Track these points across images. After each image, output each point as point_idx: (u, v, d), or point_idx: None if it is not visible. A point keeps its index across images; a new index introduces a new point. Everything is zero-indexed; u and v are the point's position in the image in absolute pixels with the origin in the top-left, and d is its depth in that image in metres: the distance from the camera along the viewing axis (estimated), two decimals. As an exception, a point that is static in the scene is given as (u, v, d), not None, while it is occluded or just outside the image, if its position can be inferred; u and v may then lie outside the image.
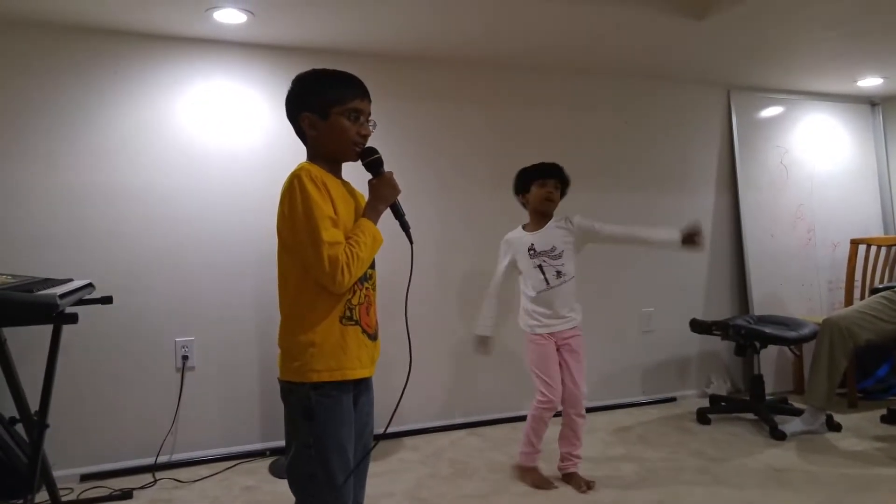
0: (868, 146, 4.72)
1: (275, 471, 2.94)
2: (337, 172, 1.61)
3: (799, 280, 4.37)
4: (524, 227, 2.83)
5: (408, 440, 3.36)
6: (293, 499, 1.54)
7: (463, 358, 3.56)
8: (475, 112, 3.63)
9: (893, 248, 4.21)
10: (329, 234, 1.44)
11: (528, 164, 2.81)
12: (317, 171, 1.51)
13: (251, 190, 3.19)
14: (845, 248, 4.21)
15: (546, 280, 2.70)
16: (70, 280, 2.62)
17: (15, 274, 2.55)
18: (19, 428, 2.62)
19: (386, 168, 1.63)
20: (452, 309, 3.57)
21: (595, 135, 3.94)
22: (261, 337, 3.20)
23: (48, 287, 2.37)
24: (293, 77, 1.49)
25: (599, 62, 3.70)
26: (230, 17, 2.84)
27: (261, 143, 3.23)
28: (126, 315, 2.95)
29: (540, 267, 2.71)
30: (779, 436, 3.29)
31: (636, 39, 3.34)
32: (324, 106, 1.56)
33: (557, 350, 2.72)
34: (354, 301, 1.54)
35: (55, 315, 2.23)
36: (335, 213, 1.48)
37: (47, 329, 2.43)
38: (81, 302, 2.60)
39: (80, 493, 2.73)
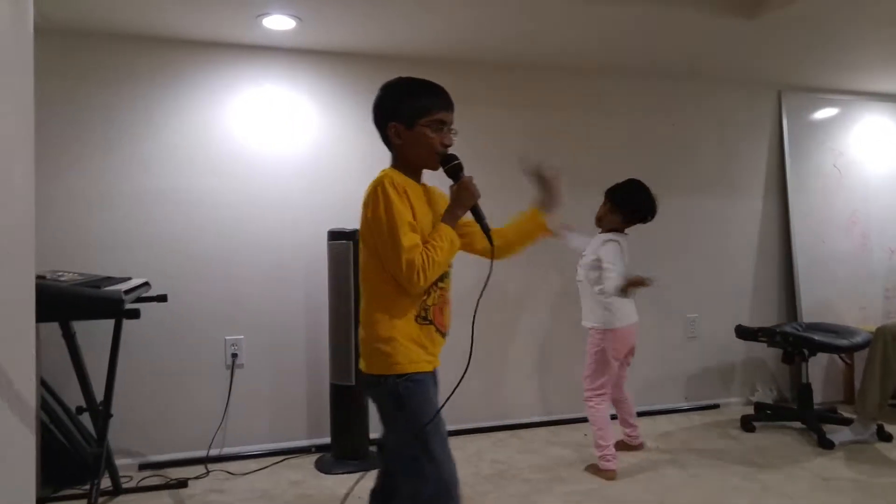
0: (927, 149, 4.57)
1: (321, 466, 3.01)
2: (418, 178, 1.71)
3: (852, 287, 4.25)
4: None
5: (451, 440, 3.38)
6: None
7: (505, 361, 3.58)
8: (517, 115, 3.65)
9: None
10: (408, 238, 1.53)
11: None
12: (399, 177, 1.61)
13: (299, 194, 3.28)
14: (903, 256, 4.10)
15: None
16: (129, 278, 2.75)
17: (81, 272, 2.69)
18: (83, 418, 2.77)
19: (466, 173, 1.70)
20: (494, 314, 3.59)
21: (641, 137, 3.91)
22: (308, 338, 3.29)
23: (111, 284, 2.51)
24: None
25: (645, 63, 3.67)
26: (279, 24, 2.92)
27: (308, 148, 3.31)
28: (179, 313, 3.07)
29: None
30: (827, 445, 3.23)
31: (684, 40, 3.31)
32: (411, 116, 1.64)
33: None
34: (429, 302, 1.65)
35: (120, 310, 2.36)
36: (414, 217, 1.58)
37: (105, 325, 2.56)
38: (139, 300, 2.73)
39: (140, 481, 2.86)
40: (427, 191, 1.73)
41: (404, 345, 1.59)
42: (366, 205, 1.60)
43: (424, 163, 1.68)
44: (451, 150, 1.68)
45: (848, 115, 4.37)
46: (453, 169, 1.67)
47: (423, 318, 1.63)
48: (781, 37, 3.26)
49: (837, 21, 3.05)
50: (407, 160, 1.69)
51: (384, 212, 1.55)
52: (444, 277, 1.68)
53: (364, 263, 1.66)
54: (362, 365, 1.66)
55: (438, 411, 1.60)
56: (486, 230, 1.69)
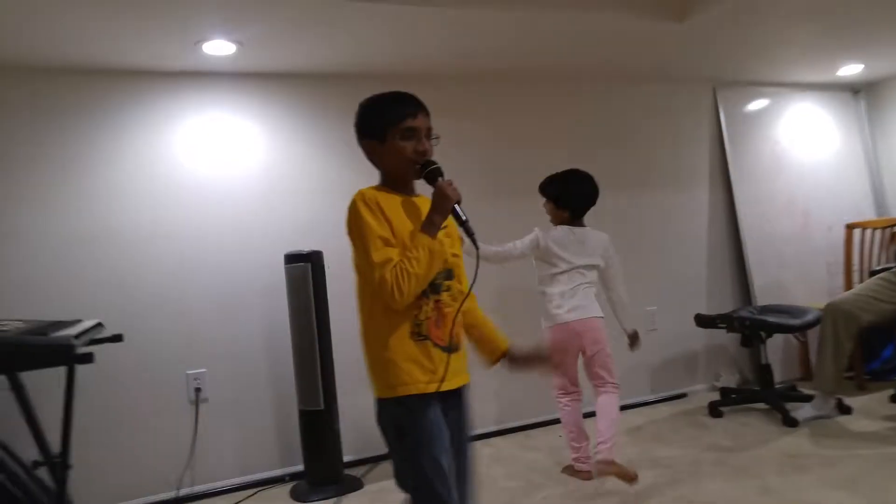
0: (853, 132, 4.81)
1: (296, 495, 2.95)
2: (407, 191, 1.66)
3: (798, 265, 4.42)
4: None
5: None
6: None
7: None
8: (467, 126, 3.66)
9: (888, 229, 4.27)
10: (378, 254, 1.50)
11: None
12: (371, 193, 1.60)
13: (252, 219, 3.22)
14: (840, 232, 4.27)
15: None
16: (79, 321, 2.64)
17: (24, 319, 2.57)
18: (41, 472, 2.64)
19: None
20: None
21: (586, 139, 3.99)
22: (271, 364, 3.22)
23: (60, 329, 2.39)
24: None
25: (584, 68, 3.75)
26: (219, 49, 2.87)
27: (257, 172, 3.26)
28: (136, 352, 2.95)
29: None
30: (791, 423, 3.32)
31: (617, 44, 3.39)
32: (381, 130, 1.63)
33: None
34: (421, 316, 1.56)
35: (72, 356, 2.26)
36: (393, 231, 1.54)
37: (57, 371, 2.45)
38: (93, 342, 2.62)
39: (105, 532, 2.73)
40: (413, 203, 1.65)
41: (400, 365, 1.54)
42: (347, 226, 1.60)
43: (403, 173, 1.65)
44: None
45: (779, 105, 4.57)
46: (429, 174, 1.62)
47: (418, 335, 1.56)
48: (711, 36, 3.38)
49: (757, 19, 3.18)
50: (387, 174, 1.67)
51: (356, 229, 1.55)
52: (438, 289, 1.59)
53: (356, 285, 1.64)
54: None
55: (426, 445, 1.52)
56: (468, 233, 1.60)
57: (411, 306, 1.55)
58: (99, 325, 2.70)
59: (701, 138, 4.34)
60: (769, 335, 3.64)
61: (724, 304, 4.26)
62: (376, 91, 1.75)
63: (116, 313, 2.92)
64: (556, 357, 2.78)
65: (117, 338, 2.76)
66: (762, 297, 4.19)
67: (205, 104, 3.18)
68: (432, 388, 1.55)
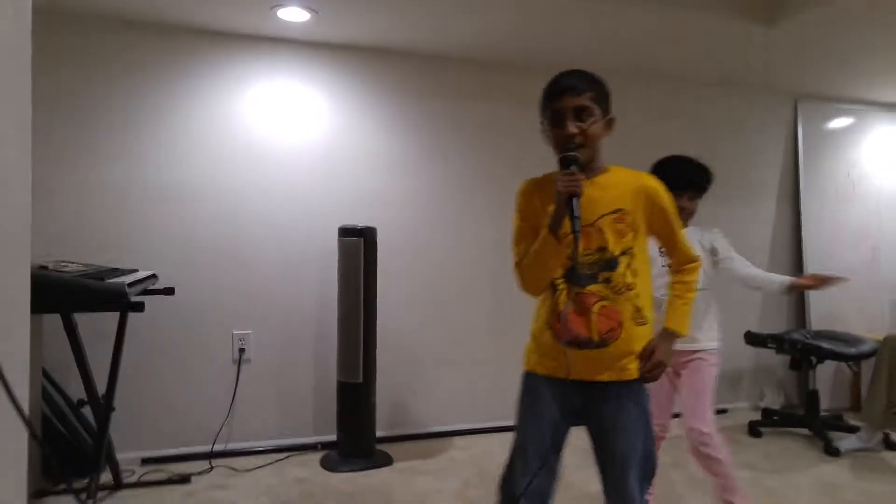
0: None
1: (326, 464, 2.98)
2: (585, 172, 1.58)
3: (861, 297, 4.24)
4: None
5: (457, 439, 3.39)
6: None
7: (513, 360, 3.55)
8: (531, 112, 3.60)
9: (962, 265, 4.06)
10: (514, 248, 1.69)
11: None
12: (524, 184, 1.73)
13: (311, 188, 3.24)
14: (911, 267, 4.09)
15: None
16: (136, 270, 2.71)
17: (86, 263, 2.65)
18: (86, 411, 2.73)
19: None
20: (513, 309, 3.56)
21: (657, 141, 3.87)
22: (318, 333, 3.25)
23: (116, 276, 2.46)
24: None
25: (660, 66, 3.64)
26: (294, 16, 2.88)
27: (321, 141, 3.27)
28: (186, 306, 3.03)
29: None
30: (833, 452, 3.23)
31: (701, 44, 3.27)
32: (541, 115, 1.69)
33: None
34: (551, 307, 1.65)
35: (124, 303, 2.32)
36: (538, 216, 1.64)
37: (112, 317, 2.52)
38: (146, 292, 2.69)
39: (141, 476, 2.82)
40: (586, 185, 1.57)
41: (530, 344, 1.71)
42: None
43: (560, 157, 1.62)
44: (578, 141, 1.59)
45: (862, 125, 4.35)
46: (560, 162, 1.58)
47: (546, 322, 1.66)
48: (800, 44, 3.24)
49: (851, 30, 3.03)
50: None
51: None
52: (581, 280, 1.59)
53: None
54: None
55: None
56: (573, 231, 1.52)
57: (546, 296, 1.67)
58: (153, 276, 2.77)
59: (775, 151, 4.18)
60: (820, 361, 3.53)
61: (777, 324, 4.13)
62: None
63: (173, 266, 3.00)
64: None
65: (169, 291, 2.84)
66: (818, 322, 4.04)
67: (276, 70, 3.20)
68: (538, 369, 1.67)
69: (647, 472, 1.64)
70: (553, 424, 1.63)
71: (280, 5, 2.77)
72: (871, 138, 4.37)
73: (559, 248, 1.56)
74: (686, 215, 2.44)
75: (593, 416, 1.63)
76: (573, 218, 1.51)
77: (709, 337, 2.34)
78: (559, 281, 1.62)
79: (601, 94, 1.64)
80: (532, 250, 1.59)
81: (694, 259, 1.71)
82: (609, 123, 1.66)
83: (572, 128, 1.58)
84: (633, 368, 1.60)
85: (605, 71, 1.71)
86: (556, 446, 1.65)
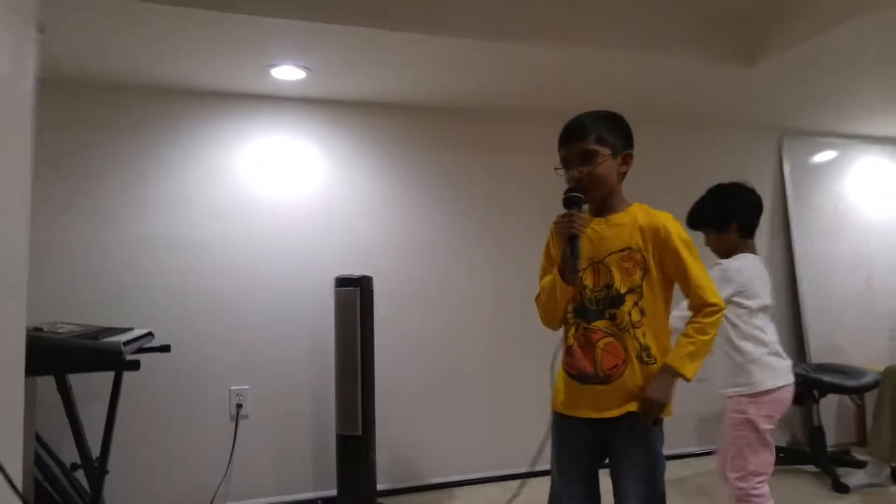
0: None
1: (326, 520, 2.92)
2: (599, 212, 1.73)
3: (858, 328, 4.23)
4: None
5: (459, 490, 3.33)
6: None
7: (513, 408, 3.52)
8: (525, 162, 3.65)
9: (958, 294, 4.07)
10: (539, 281, 1.76)
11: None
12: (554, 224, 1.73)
13: (307, 239, 3.26)
14: (907, 296, 4.09)
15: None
16: (131, 329, 2.69)
17: (81, 323, 2.63)
18: (79, 475, 2.67)
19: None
20: (510, 358, 3.54)
21: (642, 182, 3.92)
22: (315, 386, 3.22)
23: (111, 335, 2.44)
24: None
25: (646, 108, 3.70)
26: (288, 74, 2.93)
27: (316, 194, 3.30)
28: (182, 363, 3.00)
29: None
30: (842, 489, 3.19)
31: (682, 87, 3.34)
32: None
33: None
34: (569, 342, 1.69)
35: (119, 362, 2.29)
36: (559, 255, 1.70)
37: (107, 377, 2.49)
38: (141, 350, 2.67)
39: (137, 541, 2.75)
40: (602, 222, 1.70)
41: (556, 383, 1.76)
42: None
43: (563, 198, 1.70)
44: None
45: (847, 158, 4.42)
46: (563, 204, 1.66)
47: (561, 358, 1.73)
48: (781, 83, 3.30)
49: (831, 67, 3.09)
50: None
51: None
52: (588, 316, 1.64)
53: None
54: None
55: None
56: (571, 270, 1.61)
57: (564, 330, 1.72)
58: (149, 334, 2.75)
59: (762, 187, 4.19)
60: (823, 395, 3.49)
61: (777, 359, 4.10)
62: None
63: (168, 323, 2.98)
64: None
65: (165, 348, 2.81)
66: (817, 357, 4.02)
67: (271, 126, 3.25)
68: (557, 408, 1.73)
69: None
70: (577, 462, 1.70)
71: (274, 65, 2.82)
72: (856, 170, 4.43)
73: (564, 287, 1.64)
74: (716, 251, 2.44)
75: (610, 451, 1.68)
76: (570, 258, 1.59)
77: (726, 383, 2.38)
78: (570, 316, 1.68)
79: (611, 132, 1.70)
80: (546, 288, 1.68)
81: (710, 303, 1.62)
82: (625, 159, 1.73)
83: (576, 173, 1.66)
84: (633, 404, 1.61)
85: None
86: (587, 482, 1.70)
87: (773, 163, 4.25)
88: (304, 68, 2.87)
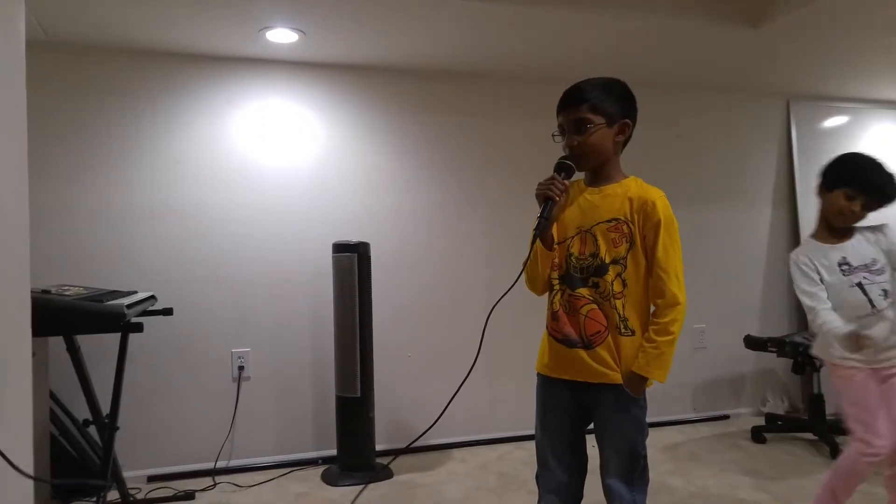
0: (941, 156, 4.52)
1: (327, 478, 3.02)
2: (594, 181, 1.75)
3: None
4: (816, 237, 2.34)
5: (456, 452, 3.41)
6: None
7: (509, 372, 3.57)
8: (522, 126, 3.65)
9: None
10: (529, 248, 1.75)
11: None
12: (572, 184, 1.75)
13: (304, 206, 3.30)
14: (913, 265, 4.04)
15: (871, 301, 2.15)
16: (134, 292, 2.78)
17: (86, 286, 2.72)
18: (91, 431, 2.79)
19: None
20: (502, 323, 3.57)
21: (647, 149, 3.89)
22: (315, 349, 3.30)
23: (116, 298, 2.53)
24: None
25: (649, 74, 3.65)
26: (282, 37, 2.94)
27: (313, 160, 3.33)
28: (185, 326, 3.09)
29: (860, 285, 2.18)
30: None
31: (687, 50, 3.29)
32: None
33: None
34: (554, 307, 1.74)
35: (123, 324, 2.38)
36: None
37: (113, 338, 2.59)
38: (145, 313, 2.76)
39: (147, 493, 2.88)
40: (595, 192, 1.72)
41: (540, 346, 1.82)
42: None
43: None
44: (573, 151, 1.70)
45: (857, 123, 4.33)
46: (555, 168, 1.69)
47: (546, 321, 1.77)
48: (788, 45, 3.23)
49: (843, 28, 3.01)
50: None
51: None
52: (574, 283, 1.69)
53: None
54: None
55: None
56: (536, 228, 1.64)
57: (549, 295, 1.76)
58: (152, 297, 2.83)
59: (769, 153, 4.17)
60: (823, 364, 3.49)
61: (778, 327, 4.10)
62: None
63: (170, 287, 3.06)
64: None
65: (168, 311, 2.89)
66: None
67: (266, 90, 3.27)
68: (539, 370, 1.80)
69: (634, 473, 1.69)
70: (561, 422, 1.76)
71: (268, 28, 2.83)
72: (867, 137, 4.35)
73: (545, 251, 1.68)
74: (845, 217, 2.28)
75: (593, 413, 1.73)
76: (540, 218, 1.63)
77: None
78: (556, 282, 1.72)
79: (608, 100, 1.69)
80: (533, 250, 1.69)
81: (674, 300, 1.62)
82: (622, 128, 1.72)
83: (570, 140, 1.68)
84: (618, 375, 1.65)
85: (592, 77, 1.76)
86: (571, 442, 1.76)
87: (780, 128, 4.18)
88: (298, 31, 2.87)
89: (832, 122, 4.29)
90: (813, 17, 2.84)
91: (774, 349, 3.57)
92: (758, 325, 4.08)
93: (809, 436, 3.54)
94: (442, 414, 1.71)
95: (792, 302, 4.17)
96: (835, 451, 3.21)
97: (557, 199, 1.63)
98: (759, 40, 3.13)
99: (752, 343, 3.68)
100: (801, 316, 4.15)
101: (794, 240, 4.16)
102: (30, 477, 1.40)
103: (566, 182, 1.65)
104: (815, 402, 3.53)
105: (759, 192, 4.15)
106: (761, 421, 3.79)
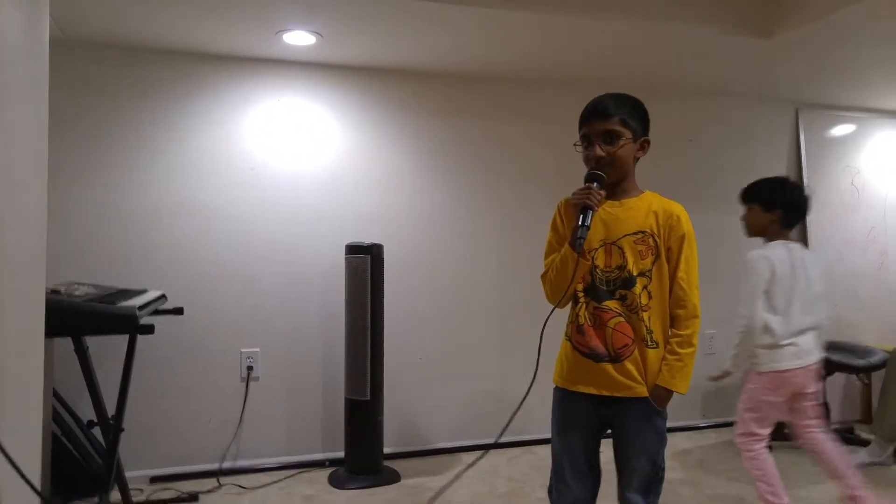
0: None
1: (334, 481, 2.99)
2: (612, 195, 1.73)
3: (870, 306, 4.22)
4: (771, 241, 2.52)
5: (466, 456, 3.39)
6: None
7: (519, 376, 3.56)
8: (535, 130, 3.63)
9: (971, 273, 4.04)
10: (545, 259, 1.78)
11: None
12: (564, 200, 1.78)
13: (318, 207, 3.28)
14: (920, 274, 4.06)
15: None
16: (145, 291, 2.74)
17: (96, 284, 2.68)
18: (96, 431, 2.76)
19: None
20: (512, 328, 3.57)
21: (657, 154, 3.89)
22: (325, 350, 3.27)
23: (126, 298, 2.49)
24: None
25: (662, 80, 3.66)
26: (300, 39, 2.92)
27: (328, 160, 3.31)
28: (195, 325, 3.06)
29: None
30: (844, 466, 3.20)
31: (701, 58, 3.30)
32: (579, 138, 1.75)
33: None
34: (577, 319, 1.72)
35: (134, 326, 2.34)
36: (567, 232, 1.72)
37: (120, 336, 2.55)
38: (155, 312, 2.72)
39: (150, 494, 2.84)
40: (616, 205, 1.71)
41: (558, 357, 1.78)
42: None
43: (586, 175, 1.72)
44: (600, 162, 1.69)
45: (864, 132, 4.35)
46: (585, 180, 1.68)
47: (567, 334, 1.75)
48: (797, 56, 3.25)
49: (850, 41, 3.04)
50: None
51: None
52: (599, 296, 1.68)
53: None
54: None
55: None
56: (578, 238, 1.60)
57: (570, 308, 1.74)
58: (163, 296, 2.80)
59: (777, 160, 4.17)
60: (830, 373, 3.50)
61: (786, 334, 4.11)
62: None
63: (181, 286, 3.03)
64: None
65: (178, 311, 2.86)
66: (828, 333, 4.02)
67: (283, 90, 3.24)
68: (561, 384, 1.77)
69: (652, 486, 1.70)
70: (582, 437, 1.74)
71: (285, 30, 2.81)
72: (873, 145, 4.37)
73: (576, 259, 1.65)
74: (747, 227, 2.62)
75: (614, 427, 1.73)
76: (580, 226, 1.60)
77: None
78: (580, 294, 1.71)
79: (634, 117, 1.70)
80: (554, 263, 1.69)
81: (695, 312, 1.69)
82: (643, 145, 1.75)
83: (599, 151, 1.67)
84: (644, 388, 1.66)
85: (606, 85, 1.75)
86: (589, 456, 1.75)
87: (789, 136, 4.20)
88: (316, 34, 2.85)
89: (839, 130, 4.30)
90: (821, 30, 2.88)
91: (783, 357, 3.57)
92: (765, 332, 4.08)
93: (815, 444, 3.54)
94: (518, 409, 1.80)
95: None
96: (839, 460, 3.21)
97: (596, 207, 1.63)
98: (770, 51, 3.16)
99: (761, 350, 3.67)
100: (807, 324, 4.16)
101: (804, 244, 4.15)
102: (37, 493, 1.37)
103: (602, 192, 1.64)
104: (822, 410, 3.52)
105: (768, 200, 4.14)
106: (768, 429, 3.78)
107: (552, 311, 1.67)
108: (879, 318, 4.22)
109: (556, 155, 3.62)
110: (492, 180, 3.57)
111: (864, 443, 3.37)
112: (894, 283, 4.29)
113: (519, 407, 1.73)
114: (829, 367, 3.43)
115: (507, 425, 1.73)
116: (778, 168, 4.16)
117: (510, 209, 3.59)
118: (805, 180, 4.16)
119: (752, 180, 4.06)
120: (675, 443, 3.61)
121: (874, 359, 3.43)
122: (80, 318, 2.27)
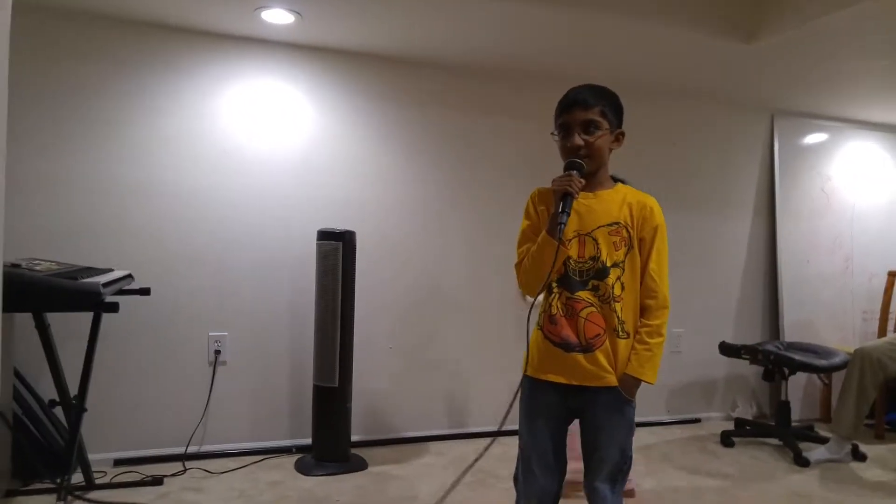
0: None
1: (300, 467, 2.97)
2: (588, 186, 1.71)
3: (832, 309, 4.32)
4: None
5: (433, 445, 3.40)
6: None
7: (489, 367, 3.57)
8: (510, 124, 3.63)
9: (932, 281, 4.15)
10: (518, 248, 1.76)
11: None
12: (538, 189, 1.79)
13: (291, 192, 3.24)
14: (882, 280, 4.16)
15: None
16: (111, 270, 2.69)
17: (58, 261, 2.62)
18: (57, 411, 2.70)
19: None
20: (483, 318, 3.58)
21: (632, 154, 3.92)
22: (294, 336, 3.24)
23: (91, 275, 2.44)
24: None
25: (644, 80, 3.68)
26: (278, 18, 2.88)
27: (302, 144, 3.27)
28: (162, 307, 3.01)
29: None
30: (802, 462, 3.27)
31: (679, 59, 3.32)
32: (555, 128, 1.74)
33: None
34: (549, 309, 1.71)
35: (98, 303, 2.29)
36: (542, 221, 1.72)
37: (86, 316, 2.50)
38: (121, 292, 2.67)
39: (114, 477, 2.79)
40: (591, 197, 1.71)
41: (529, 347, 1.75)
42: None
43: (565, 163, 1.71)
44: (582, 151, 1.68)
45: (837, 141, 4.44)
46: (564, 169, 1.67)
47: (539, 323, 1.74)
48: (776, 62, 3.30)
49: (829, 51, 3.10)
50: None
51: None
52: (572, 286, 1.68)
53: None
54: None
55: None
56: (553, 224, 1.61)
57: (545, 298, 1.73)
58: (129, 276, 2.75)
59: (750, 165, 4.24)
60: (792, 372, 3.57)
61: (751, 335, 4.19)
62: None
63: (148, 267, 2.98)
64: None
65: (145, 291, 2.82)
66: (791, 334, 4.11)
67: (258, 71, 3.19)
68: (531, 373, 1.74)
69: (619, 475, 1.73)
70: (550, 426, 1.74)
71: (264, 7, 2.77)
72: (844, 153, 4.46)
73: (556, 246, 1.62)
74: None
75: (583, 416, 1.73)
76: (561, 213, 1.60)
77: None
78: (553, 285, 1.71)
79: (611, 109, 1.71)
80: (531, 251, 1.67)
81: (665, 303, 1.70)
82: (618, 137, 1.76)
83: (578, 140, 1.68)
84: (614, 377, 1.67)
85: (585, 81, 1.75)
86: (556, 446, 1.75)
87: (763, 141, 4.27)
88: (295, 12, 2.81)
89: (812, 138, 4.39)
90: (802, 38, 2.94)
91: (748, 356, 3.64)
92: (732, 331, 4.16)
93: (776, 441, 3.62)
94: (514, 398, 1.79)
95: (766, 311, 4.27)
96: (798, 457, 3.29)
97: (577, 195, 1.63)
98: (750, 56, 3.20)
99: (727, 349, 3.74)
100: (773, 324, 4.25)
101: (772, 250, 4.25)
102: None
103: (582, 181, 1.65)
104: (783, 408, 3.60)
105: (740, 202, 4.23)
106: (731, 425, 3.86)
107: (534, 301, 1.69)
108: (840, 322, 4.33)
109: (528, 148, 3.62)
110: (465, 171, 3.57)
111: (824, 440, 3.44)
112: (857, 287, 4.40)
113: (515, 396, 1.71)
114: (791, 366, 3.51)
115: (507, 415, 1.69)
116: (751, 172, 4.23)
117: (483, 201, 3.60)
118: (777, 185, 4.23)
119: (727, 184, 4.16)
120: (639, 437, 3.62)
121: (835, 360, 3.50)
122: (40, 292, 2.22)
